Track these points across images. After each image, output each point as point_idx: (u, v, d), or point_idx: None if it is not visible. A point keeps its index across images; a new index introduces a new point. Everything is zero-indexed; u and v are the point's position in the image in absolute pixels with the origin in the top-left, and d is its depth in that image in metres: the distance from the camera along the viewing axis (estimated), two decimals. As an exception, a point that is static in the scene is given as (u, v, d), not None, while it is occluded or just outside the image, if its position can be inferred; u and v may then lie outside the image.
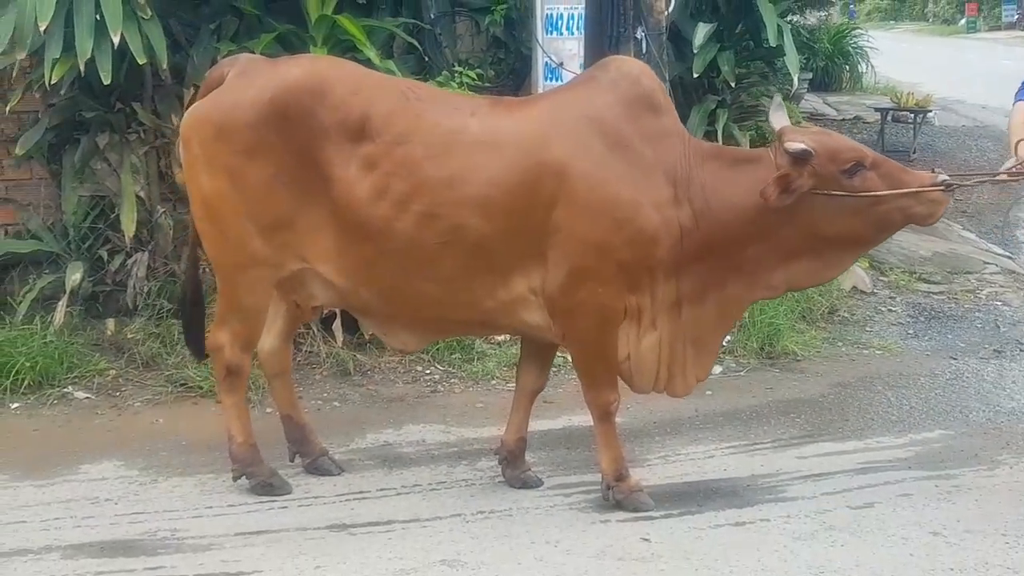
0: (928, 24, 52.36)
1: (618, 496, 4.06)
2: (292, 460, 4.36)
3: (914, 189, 3.81)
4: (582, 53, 5.76)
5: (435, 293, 3.89)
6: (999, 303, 6.83)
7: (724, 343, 5.87)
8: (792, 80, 6.56)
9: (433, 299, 3.91)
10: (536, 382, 4.29)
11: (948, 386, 5.44)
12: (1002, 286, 7.03)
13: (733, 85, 6.68)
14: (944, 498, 4.10)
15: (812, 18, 14.08)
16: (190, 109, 3.97)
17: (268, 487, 4.15)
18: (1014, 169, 4.01)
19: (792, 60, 6.33)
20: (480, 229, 3.75)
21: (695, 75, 6.37)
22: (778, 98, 4.22)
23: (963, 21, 45.27)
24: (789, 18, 9.00)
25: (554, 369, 5.64)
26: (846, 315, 6.51)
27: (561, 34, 5.70)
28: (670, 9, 6.11)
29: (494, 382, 5.52)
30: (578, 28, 5.68)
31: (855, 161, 3.79)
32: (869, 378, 5.58)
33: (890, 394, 5.32)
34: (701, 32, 6.24)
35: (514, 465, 4.30)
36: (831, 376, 5.64)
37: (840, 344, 6.11)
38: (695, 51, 6.24)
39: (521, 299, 3.89)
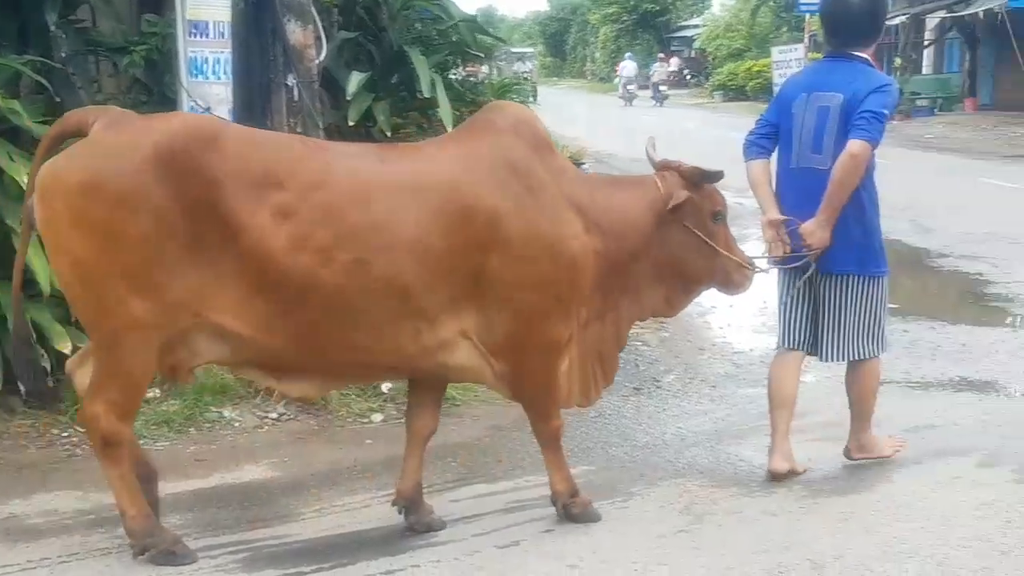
0: (587, 81, 55.71)
1: (575, 511, 4.33)
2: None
3: (743, 260, 4.50)
4: (231, 98, 5.65)
5: (356, 340, 3.88)
6: (639, 343, 7.29)
7: (385, 390, 5.95)
8: (447, 130, 6.72)
9: (353, 346, 3.90)
10: (430, 425, 4.36)
11: (592, 424, 5.72)
12: (642, 327, 7.49)
13: (389, 135, 6.77)
14: (583, 531, 4.30)
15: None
16: (49, 163, 3.66)
17: (171, 555, 3.92)
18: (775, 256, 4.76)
19: (445, 112, 6.50)
20: (411, 274, 3.81)
21: (351, 123, 6.42)
22: (652, 139, 4.64)
23: (617, 79, 48.60)
24: (454, 71, 9.29)
25: (207, 425, 5.53)
26: (501, 359, 6.72)
27: (207, 78, 5.56)
28: (321, 57, 6.13)
29: (141, 442, 5.18)
30: (225, 73, 5.57)
31: (721, 208, 4.39)
32: (522, 419, 5.56)
33: (540, 434, 5.52)
34: (354, 81, 6.31)
35: (416, 511, 4.33)
36: (487, 419, 5.81)
37: (498, 388, 6.29)
38: (349, 99, 6.29)
39: (447, 342, 3.98)
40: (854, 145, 4.52)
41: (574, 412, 5.83)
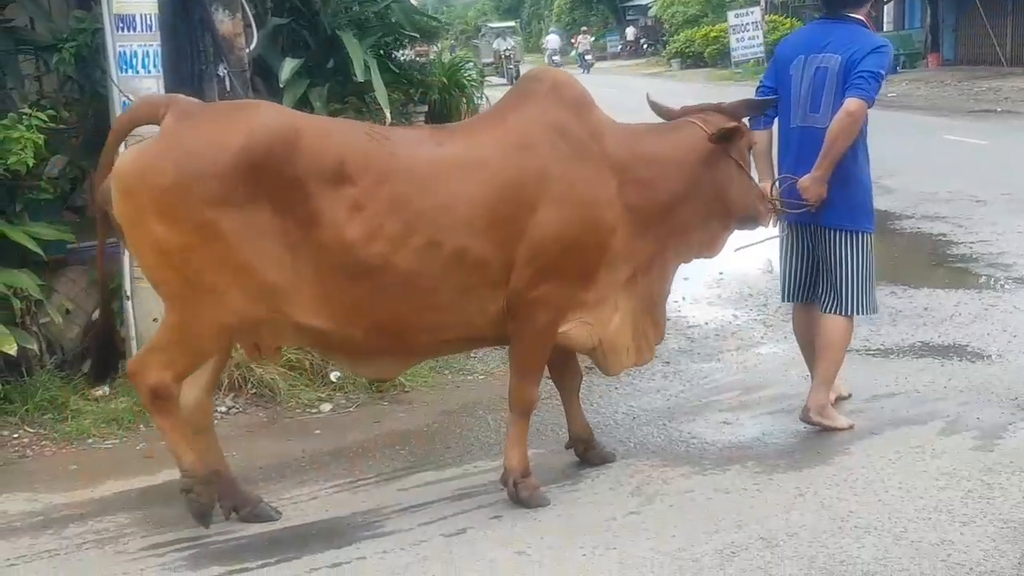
0: (542, 56, 55.80)
1: (523, 493, 4.42)
2: (228, 517, 4.32)
3: (767, 195, 4.82)
4: (162, 91, 5.60)
5: (432, 319, 4.12)
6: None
7: (334, 379, 5.98)
8: (385, 114, 6.71)
9: (429, 325, 4.14)
10: (573, 379, 4.84)
11: (543, 405, 5.66)
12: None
13: (328, 121, 6.74)
14: (530, 516, 4.34)
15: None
16: (128, 154, 3.84)
17: (203, 506, 4.17)
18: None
19: (381, 95, 6.49)
20: (479, 247, 4.05)
21: (287, 110, 6.39)
22: (649, 93, 4.98)
23: (574, 52, 48.80)
24: (402, 52, 9.26)
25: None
26: (451, 342, 6.75)
27: (137, 72, 5.52)
28: (252, 46, 6.11)
29: (90, 441, 5.33)
30: (155, 66, 5.54)
31: (754, 141, 4.75)
32: (472, 404, 5.83)
33: (490, 418, 5.57)
34: (287, 67, 6.28)
35: (591, 446, 4.84)
36: (437, 405, 5.84)
37: (447, 372, 6.34)
38: (282, 86, 6.27)
39: (503, 306, 4.21)
40: (851, 103, 4.81)
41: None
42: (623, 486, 4.63)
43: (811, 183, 4.93)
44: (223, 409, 5.70)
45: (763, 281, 8.36)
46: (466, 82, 12.41)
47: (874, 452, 4.90)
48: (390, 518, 4.38)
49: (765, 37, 32.36)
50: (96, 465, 5.03)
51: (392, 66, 7.13)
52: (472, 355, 6.62)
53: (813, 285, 5.26)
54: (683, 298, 7.99)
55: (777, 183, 5.06)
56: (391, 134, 4.21)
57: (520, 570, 3.92)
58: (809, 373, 5.41)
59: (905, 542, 4.03)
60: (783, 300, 5.49)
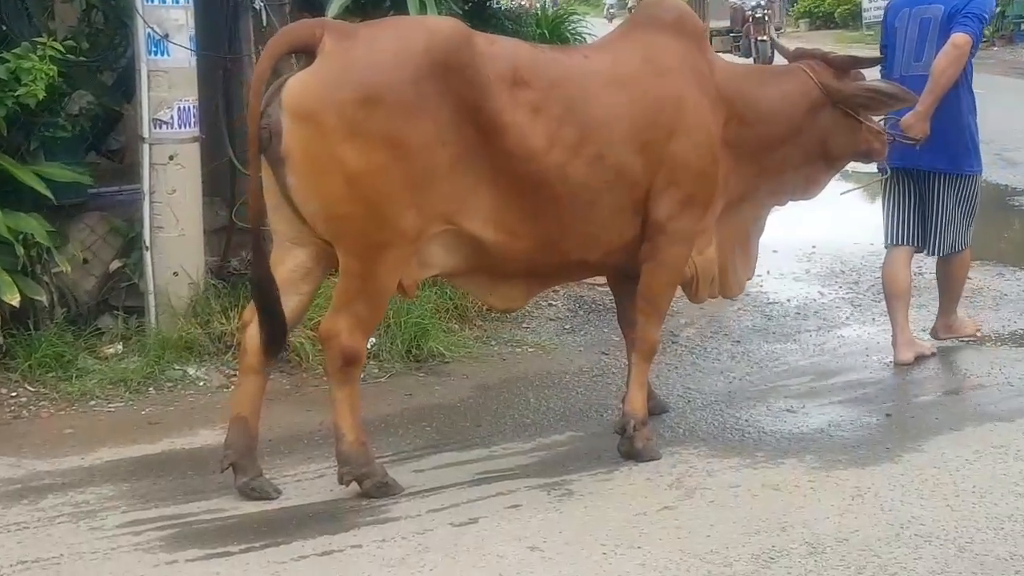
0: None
1: (638, 443, 4.35)
2: (223, 471, 4.03)
3: (881, 128, 4.91)
4: (191, 24, 5.35)
5: (588, 234, 4.18)
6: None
7: (369, 346, 5.67)
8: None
9: (583, 241, 4.20)
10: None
11: (591, 384, 5.39)
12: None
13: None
14: (553, 507, 3.98)
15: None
16: (299, 79, 3.72)
17: (384, 487, 4.05)
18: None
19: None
20: (633, 166, 4.16)
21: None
22: (775, 33, 5.24)
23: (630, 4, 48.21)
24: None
25: (169, 384, 5.32)
26: (503, 311, 6.38)
27: (165, 2, 5.27)
28: (294, -23, 5.81)
29: (93, 403, 5.09)
30: (185, -5, 5.28)
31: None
32: (514, 379, 5.48)
33: (531, 395, 5.23)
34: (337, 3, 5.91)
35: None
36: (476, 378, 5.51)
37: (493, 343, 6.00)
38: (327, 23, 5.93)
39: (638, 234, 4.31)
40: (958, 37, 5.15)
41: (575, 371, 5.59)
42: (662, 476, 4.25)
43: (915, 119, 5.15)
44: (245, 373, 5.44)
45: (858, 256, 7.83)
46: (570, 36, 12.16)
47: (950, 450, 4.45)
48: (398, 502, 4.04)
49: (901, -3, 30.94)
50: (93, 430, 4.81)
51: (455, 7, 6.65)
52: (524, 326, 6.30)
53: (922, 230, 5.53)
54: (767, 272, 7.42)
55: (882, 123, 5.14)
56: (541, 46, 4.36)
57: (528, 568, 3.54)
58: (891, 324, 5.61)
59: (969, 554, 3.60)
60: (887, 244, 5.67)
